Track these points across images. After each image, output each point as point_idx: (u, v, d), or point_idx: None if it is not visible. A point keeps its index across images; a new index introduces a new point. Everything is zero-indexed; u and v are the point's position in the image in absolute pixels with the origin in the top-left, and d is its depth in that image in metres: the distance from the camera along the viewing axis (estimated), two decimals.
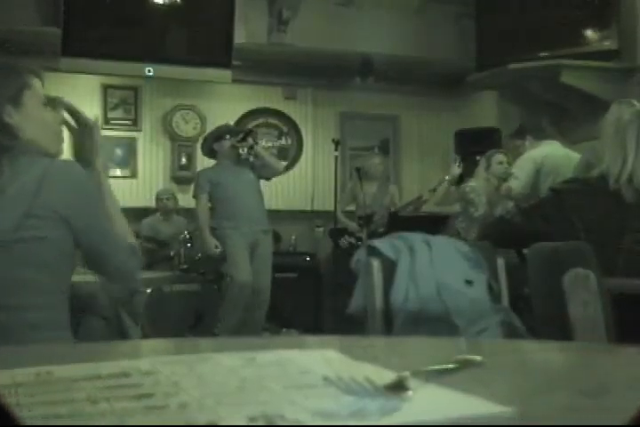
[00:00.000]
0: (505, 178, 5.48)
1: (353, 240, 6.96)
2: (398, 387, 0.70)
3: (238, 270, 5.65)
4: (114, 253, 1.86)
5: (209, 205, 5.89)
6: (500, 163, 5.75)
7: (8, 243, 1.64)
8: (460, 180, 6.22)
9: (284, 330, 6.48)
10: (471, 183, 5.91)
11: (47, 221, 1.68)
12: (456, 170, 6.21)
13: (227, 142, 5.82)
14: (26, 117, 1.80)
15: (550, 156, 5.32)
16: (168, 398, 0.70)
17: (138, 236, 6.59)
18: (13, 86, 1.80)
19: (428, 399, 0.69)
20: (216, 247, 5.74)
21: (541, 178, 5.26)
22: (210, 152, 6.04)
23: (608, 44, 6.52)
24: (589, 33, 6.62)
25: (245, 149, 5.90)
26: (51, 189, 1.70)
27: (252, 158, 5.92)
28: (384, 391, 0.70)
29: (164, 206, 7.26)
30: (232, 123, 8.10)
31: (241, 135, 5.84)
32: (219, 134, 5.95)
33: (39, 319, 1.70)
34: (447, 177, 6.33)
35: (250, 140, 5.82)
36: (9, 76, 1.81)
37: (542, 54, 6.60)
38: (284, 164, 8.33)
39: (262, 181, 6.05)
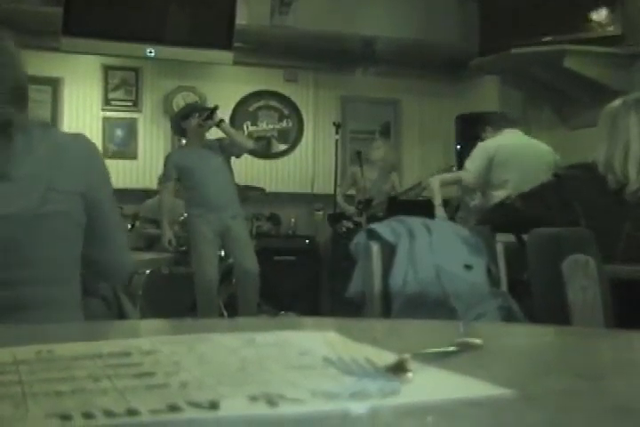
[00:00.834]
0: None
1: (351, 225, 6.96)
2: (399, 369, 0.71)
3: (201, 268, 5.60)
4: (113, 237, 1.86)
5: (172, 193, 5.85)
6: None
7: (33, 218, 1.64)
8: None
9: (283, 313, 6.50)
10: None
11: (67, 194, 1.69)
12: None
13: (194, 121, 5.73)
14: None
15: (504, 146, 5.23)
16: (169, 377, 0.71)
17: (138, 217, 6.62)
18: (23, 60, 1.81)
19: (428, 381, 0.69)
20: (169, 243, 5.73)
21: (493, 168, 5.20)
22: (179, 131, 5.98)
23: (612, 30, 6.49)
24: (593, 18, 6.59)
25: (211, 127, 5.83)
26: (68, 162, 1.70)
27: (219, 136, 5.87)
28: (384, 373, 0.70)
29: None
30: (233, 104, 8.11)
31: (206, 113, 5.73)
32: (185, 113, 5.87)
33: (60, 294, 1.72)
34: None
35: (216, 118, 5.72)
36: (19, 51, 1.82)
37: (546, 39, 6.58)
38: (287, 146, 8.34)
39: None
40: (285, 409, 0.60)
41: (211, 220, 5.62)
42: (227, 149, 5.81)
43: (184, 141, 6.18)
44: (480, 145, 5.36)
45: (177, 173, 5.73)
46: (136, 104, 7.97)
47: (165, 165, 5.86)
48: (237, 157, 6.07)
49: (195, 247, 5.67)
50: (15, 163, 1.63)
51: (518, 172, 5.06)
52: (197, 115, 5.76)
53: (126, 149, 7.89)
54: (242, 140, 5.94)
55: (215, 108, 5.81)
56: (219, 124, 5.76)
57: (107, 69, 7.84)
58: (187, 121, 5.78)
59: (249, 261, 5.67)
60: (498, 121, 5.59)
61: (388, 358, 0.75)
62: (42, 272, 1.69)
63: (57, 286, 1.72)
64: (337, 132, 7.21)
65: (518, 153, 5.18)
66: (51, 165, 1.67)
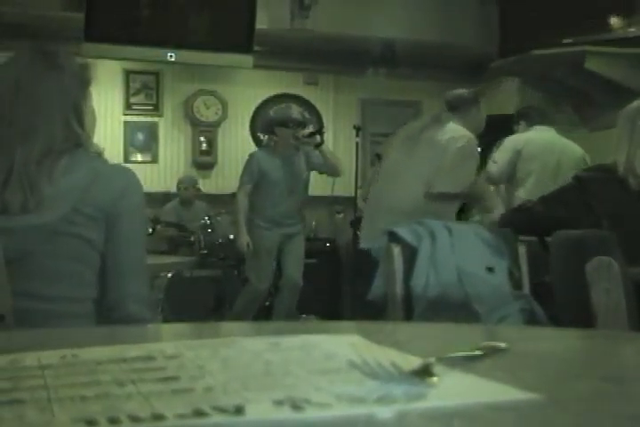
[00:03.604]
0: None
1: None
2: (424, 373, 0.70)
3: (257, 278, 5.65)
4: (133, 279, 1.80)
5: (248, 195, 5.65)
6: None
7: (52, 235, 1.66)
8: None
9: (304, 316, 6.49)
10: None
11: (91, 220, 1.70)
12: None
13: (290, 131, 5.58)
14: (87, 112, 1.85)
15: (532, 141, 5.25)
16: (194, 381, 0.71)
17: (158, 221, 6.64)
18: (84, 83, 1.85)
19: (454, 386, 0.69)
20: (248, 246, 5.59)
21: (520, 164, 5.20)
22: (269, 132, 5.85)
23: (634, 31, 6.45)
24: (614, 19, 6.55)
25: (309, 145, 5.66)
26: (100, 187, 1.72)
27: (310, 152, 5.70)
28: (410, 377, 0.70)
29: (184, 195, 7.29)
30: (253, 108, 8.13)
31: (309, 130, 5.63)
32: (284, 120, 5.72)
33: (72, 310, 1.73)
34: None
35: (318, 139, 5.59)
36: (83, 74, 1.86)
37: (566, 41, 6.54)
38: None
39: None
40: (311, 414, 0.60)
41: (274, 233, 5.65)
42: (314, 166, 5.73)
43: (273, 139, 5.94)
44: (509, 138, 5.37)
45: (258, 177, 5.58)
46: (157, 108, 8.00)
47: (248, 166, 5.69)
48: (320, 173, 5.98)
49: (254, 257, 5.68)
50: (50, 182, 1.66)
51: (542, 167, 5.08)
52: (295, 126, 5.61)
53: (147, 153, 7.92)
54: (337, 165, 5.77)
55: (317, 132, 5.69)
56: (319, 145, 5.60)
57: (127, 74, 7.88)
58: (282, 128, 5.64)
59: (297, 276, 5.77)
60: (533, 116, 5.56)
61: (413, 361, 0.74)
62: (55, 288, 1.70)
63: (71, 302, 1.73)
64: (357, 135, 7.20)
65: (545, 149, 5.19)
66: (83, 189, 1.69)
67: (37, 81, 1.76)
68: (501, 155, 5.27)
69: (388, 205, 4.16)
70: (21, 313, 1.63)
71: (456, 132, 4.13)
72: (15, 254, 1.64)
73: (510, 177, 5.26)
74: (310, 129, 5.72)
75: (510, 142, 5.33)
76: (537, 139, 5.27)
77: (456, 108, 4.28)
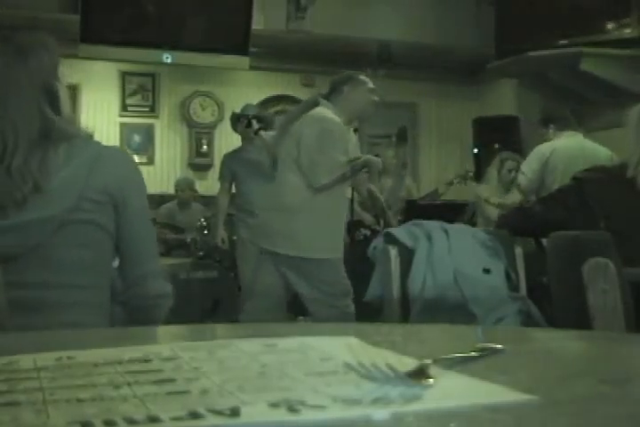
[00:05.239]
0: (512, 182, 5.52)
1: (368, 233, 6.93)
2: (420, 374, 0.70)
3: (241, 271, 5.66)
4: (150, 257, 1.85)
5: (228, 194, 5.91)
6: (510, 171, 5.77)
7: (63, 224, 1.66)
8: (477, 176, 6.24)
9: (301, 318, 6.48)
10: (483, 191, 5.91)
11: (99, 204, 1.70)
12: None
13: (240, 126, 5.81)
14: (63, 94, 1.81)
15: (560, 149, 5.14)
16: (189, 383, 0.70)
17: (155, 222, 6.62)
18: (56, 62, 1.81)
19: (450, 387, 0.69)
20: (222, 242, 5.91)
21: (548, 172, 5.13)
22: (233, 129, 6.06)
23: (628, 32, 6.47)
24: (609, 21, 6.57)
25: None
26: (103, 171, 1.72)
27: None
28: (406, 378, 0.70)
29: (181, 196, 7.28)
30: None
31: (245, 122, 5.75)
32: (237, 116, 5.92)
33: (86, 298, 1.73)
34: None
35: (254, 127, 5.63)
36: (54, 53, 1.82)
37: (562, 42, 6.56)
38: None
39: None
40: (307, 416, 0.60)
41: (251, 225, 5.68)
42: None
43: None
44: (537, 148, 5.29)
45: (231, 176, 5.82)
46: (153, 109, 8.00)
47: (222, 165, 5.99)
48: None
49: (238, 254, 5.71)
50: (53, 173, 1.66)
51: (566, 176, 4.99)
52: (246, 120, 5.76)
53: (143, 155, 7.91)
54: (270, 151, 5.90)
55: (249, 118, 5.76)
56: (256, 133, 5.65)
57: (124, 75, 7.87)
58: (238, 123, 5.86)
59: None
60: (562, 120, 5.45)
61: (409, 363, 0.74)
62: (68, 277, 1.70)
63: (83, 290, 1.73)
64: None
65: (570, 158, 5.07)
66: (86, 175, 1.69)
67: (4, 69, 1.75)
68: (529, 166, 5.22)
69: (275, 203, 4.06)
70: (36, 303, 1.64)
71: (314, 117, 3.92)
72: (28, 247, 1.64)
73: (539, 188, 5.16)
74: (245, 122, 5.80)
75: (537, 153, 5.23)
76: (563, 148, 5.13)
77: (329, 92, 4.08)
